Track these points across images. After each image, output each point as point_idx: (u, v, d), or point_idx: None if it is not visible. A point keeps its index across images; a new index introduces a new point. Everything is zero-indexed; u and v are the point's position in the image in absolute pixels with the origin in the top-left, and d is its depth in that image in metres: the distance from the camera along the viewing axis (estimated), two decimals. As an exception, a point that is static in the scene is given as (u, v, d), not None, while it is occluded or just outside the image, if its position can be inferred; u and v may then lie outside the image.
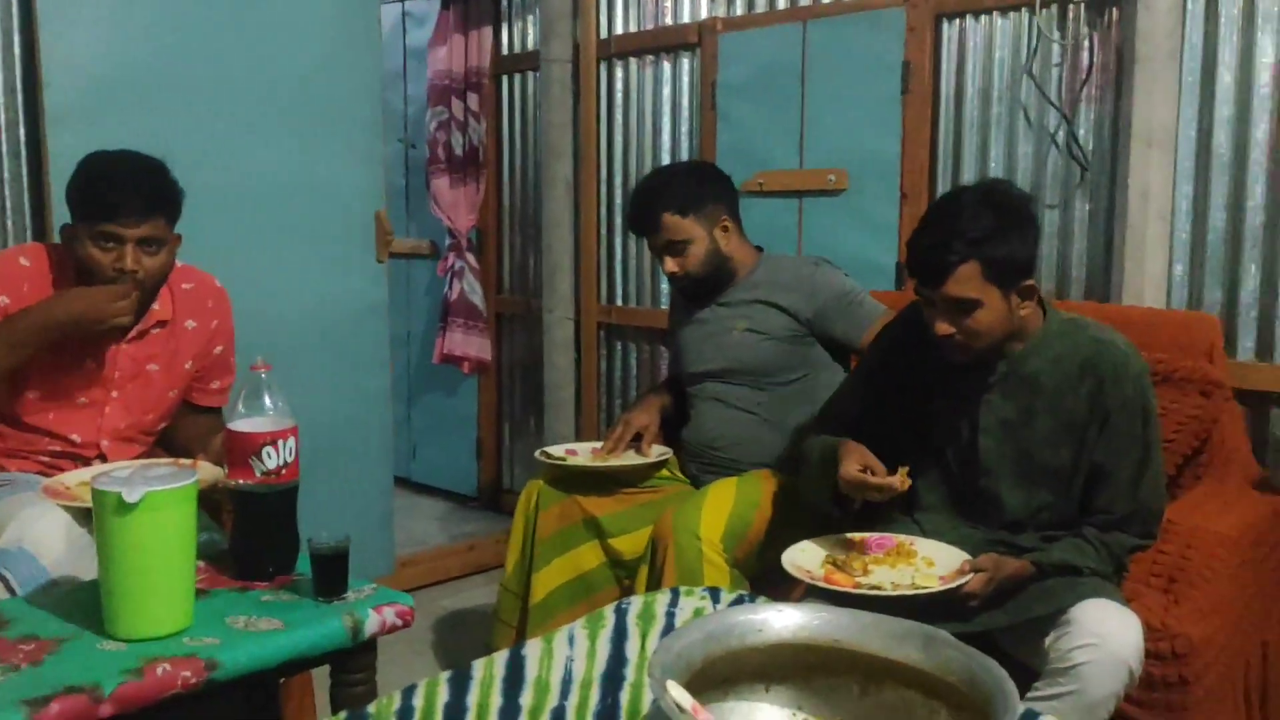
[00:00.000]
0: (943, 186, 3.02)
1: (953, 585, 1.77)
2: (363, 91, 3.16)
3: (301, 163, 3.02)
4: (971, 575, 1.79)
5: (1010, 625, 1.83)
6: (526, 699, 1.42)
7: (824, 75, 3.20)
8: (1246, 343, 2.55)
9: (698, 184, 2.52)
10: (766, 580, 2.15)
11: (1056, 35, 2.77)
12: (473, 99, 4.15)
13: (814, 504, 2.07)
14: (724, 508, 2.26)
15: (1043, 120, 2.82)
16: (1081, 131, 2.76)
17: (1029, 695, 1.76)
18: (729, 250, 2.52)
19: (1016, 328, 1.92)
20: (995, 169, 2.91)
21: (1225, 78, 2.53)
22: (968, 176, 2.96)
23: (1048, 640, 1.78)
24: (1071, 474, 1.93)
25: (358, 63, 3.13)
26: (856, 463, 1.92)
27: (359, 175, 3.17)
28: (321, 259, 3.10)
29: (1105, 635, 1.72)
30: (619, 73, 3.81)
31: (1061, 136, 2.79)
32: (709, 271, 2.52)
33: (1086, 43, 2.74)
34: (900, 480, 1.87)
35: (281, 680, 2.09)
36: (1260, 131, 2.49)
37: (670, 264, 2.52)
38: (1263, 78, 2.47)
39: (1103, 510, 1.91)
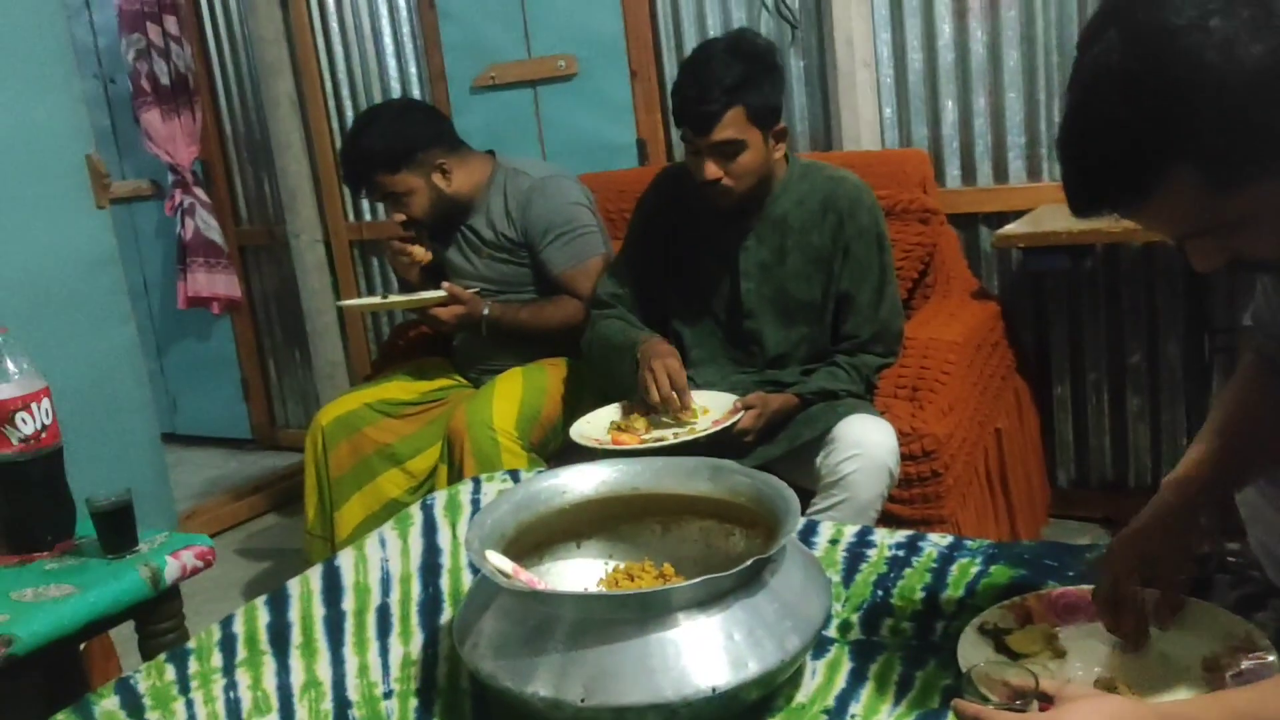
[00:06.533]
0: (669, 60, 3.11)
1: (727, 424, 1.91)
2: (43, 22, 2.88)
3: (-11, 114, 2.75)
4: (743, 413, 1.94)
5: (784, 454, 2.00)
6: (349, 603, 1.46)
7: (537, -40, 3.19)
8: (953, 171, 2.81)
9: (404, 134, 2.48)
10: (564, 459, 2.23)
11: (752, -101, 2.87)
12: (170, 22, 3.86)
13: (614, 387, 2.17)
14: (514, 397, 2.32)
15: (751, -16, 2.95)
16: (787, -9, 2.90)
17: (808, 512, 1.95)
18: (453, 190, 2.52)
19: (771, 171, 2.06)
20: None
21: (906, -74, 2.72)
22: (690, 47, 3.05)
23: (818, 460, 1.97)
24: (823, 305, 2.11)
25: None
26: (662, 372, 1.99)
27: (58, 118, 2.90)
28: (35, 214, 2.85)
29: (866, 445, 1.92)
30: (326, -22, 3.65)
31: (770, -1, 2.92)
32: (439, 215, 2.53)
33: (780, -96, 2.86)
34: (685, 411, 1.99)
35: (82, 647, 2.01)
36: (942, -26, 2.70)
37: (398, 215, 2.53)
38: (938, -77, 2.68)
39: (850, 335, 2.10)
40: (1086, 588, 1.31)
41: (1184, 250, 1.02)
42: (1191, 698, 1.00)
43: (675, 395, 1.97)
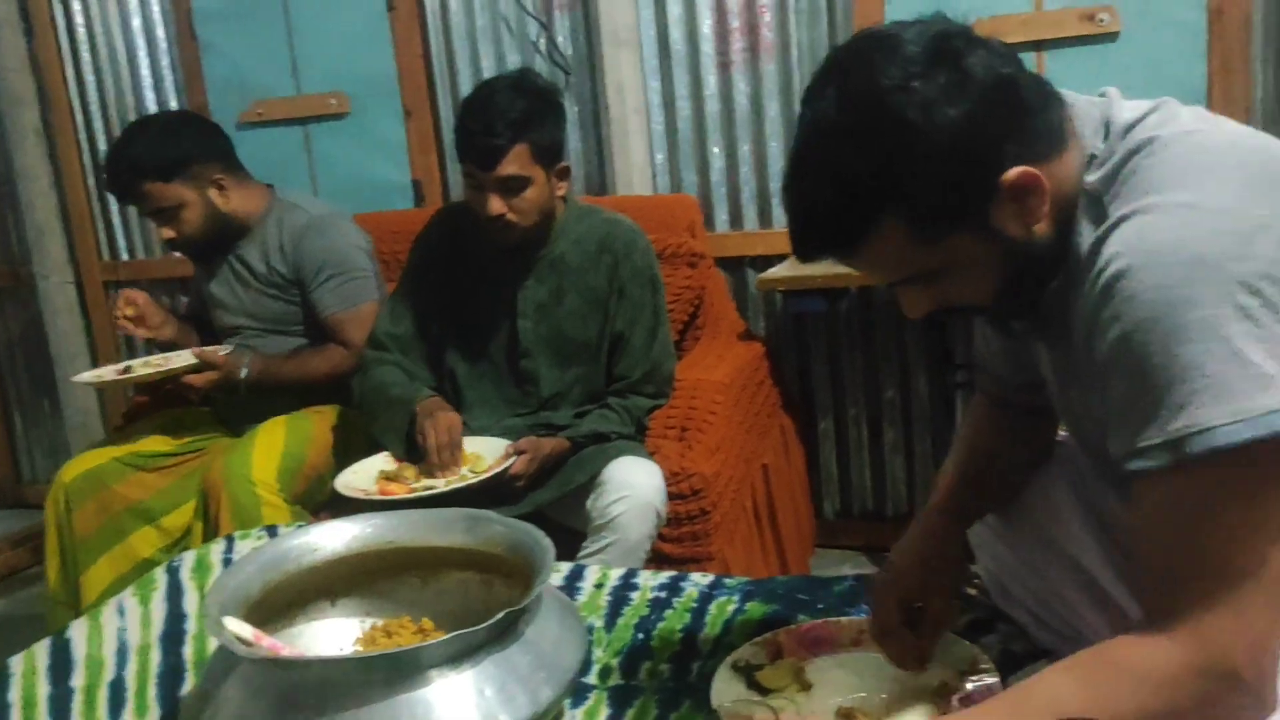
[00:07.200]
0: (444, 100, 3.09)
1: (499, 470, 1.90)
2: None
3: None
4: (515, 459, 1.93)
5: (555, 498, 2.01)
6: (79, 679, 1.35)
7: (306, -4, 3.12)
8: (721, 216, 2.91)
9: (179, 144, 2.35)
10: (333, 511, 2.16)
11: (523, -54, 2.91)
12: (-105, 45, 3.54)
13: (382, 435, 2.12)
14: (275, 447, 2.22)
15: (524, 29, 2.97)
16: (560, 38, 2.95)
17: (579, 555, 1.95)
18: (229, 209, 2.40)
19: (552, 210, 2.07)
20: (489, 79, 3.03)
21: (671, -22, 2.81)
22: (465, 88, 3.05)
23: (588, 503, 1.98)
24: (598, 346, 2.14)
25: None
26: (443, 424, 1.97)
27: None
28: None
29: (634, 487, 1.95)
30: (76, 4, 3.44)
31: (543, 44, 2.96)
32: (211, 235, 2.41)
33: (551, -47, 2.91)
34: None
35: None
36: (706, 26, 2.81)
37: (164, 231, 2.39)
38: (702, -22, 2.79)
39: (623, 376, 2.14)
40: (833, 620, 1.38)
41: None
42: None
43: (449, 449, 1.94)
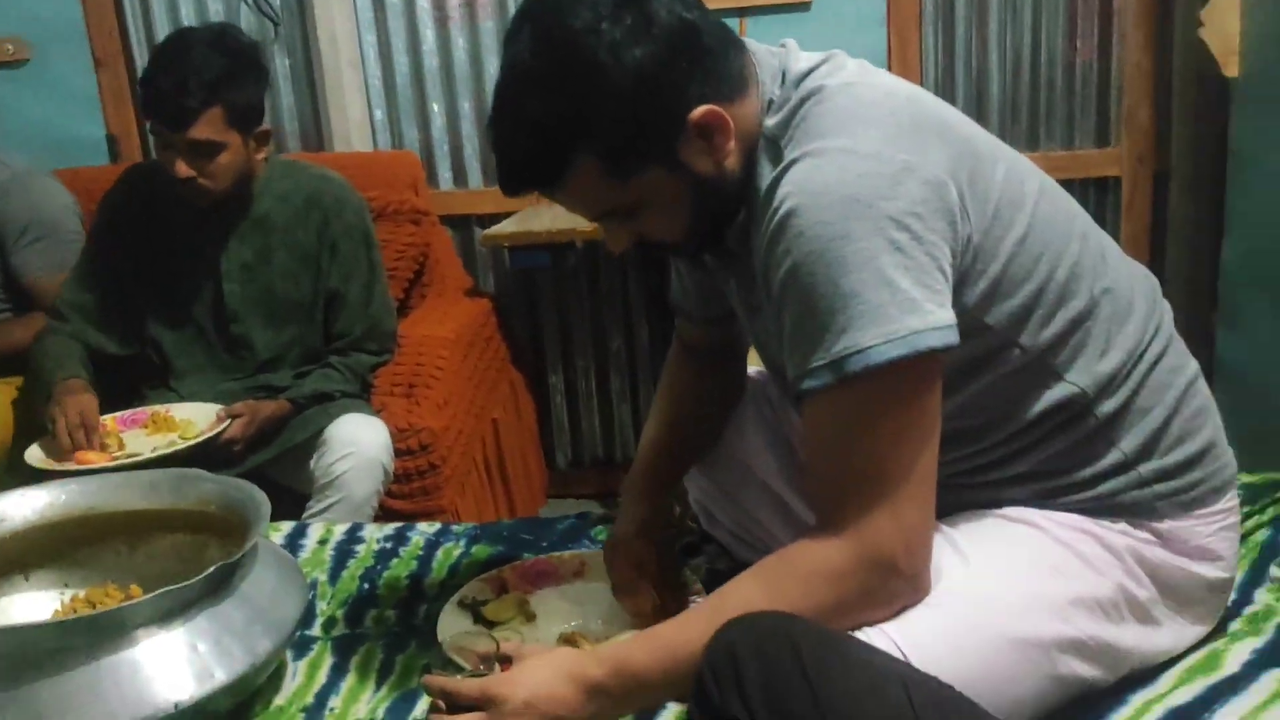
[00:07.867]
0: (139, 50, 2.89)
1: (210, 435, 1.83)
2: None
3: None
4: (229, 423, 1.87)
5: (278, 457, 1.96)
6: None
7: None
8: (445, 173, 2.90)
9: None
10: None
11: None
12: None
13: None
14: (-51, 424, 2.04)
15: (226, -23, 2.83)
16: (268, -15, 2.82)
17: (304, 516, 1.92)
18: None
19: (251, 170, 1.99)
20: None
21: (380, -74, 2.75)
22: (162, 37, 2.85)
23: (312, 463, 1.95)
24: (312, 304, 2.08)
25: None
26: (74, 408, 1.83)
27: None
28: None
29: (358, 444, 1.92)
30: None
31: (249, -8, 2.82)
32: None
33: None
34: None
35: None
36: (424, -19, 2.77)
37: None
38: (413, -70, 2.75)
39: (343, 334, 2.09)
40: (555, 555, 1.44)
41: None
42: (627, 638, 1.13)
43: (80, 429, 1.80)
